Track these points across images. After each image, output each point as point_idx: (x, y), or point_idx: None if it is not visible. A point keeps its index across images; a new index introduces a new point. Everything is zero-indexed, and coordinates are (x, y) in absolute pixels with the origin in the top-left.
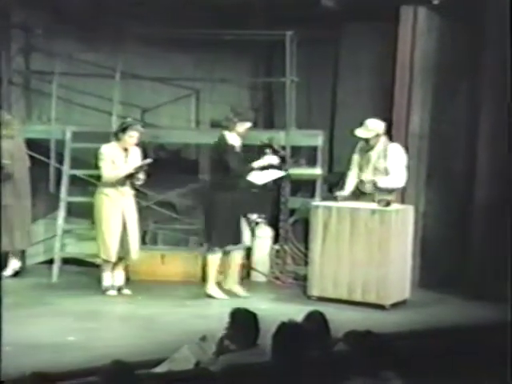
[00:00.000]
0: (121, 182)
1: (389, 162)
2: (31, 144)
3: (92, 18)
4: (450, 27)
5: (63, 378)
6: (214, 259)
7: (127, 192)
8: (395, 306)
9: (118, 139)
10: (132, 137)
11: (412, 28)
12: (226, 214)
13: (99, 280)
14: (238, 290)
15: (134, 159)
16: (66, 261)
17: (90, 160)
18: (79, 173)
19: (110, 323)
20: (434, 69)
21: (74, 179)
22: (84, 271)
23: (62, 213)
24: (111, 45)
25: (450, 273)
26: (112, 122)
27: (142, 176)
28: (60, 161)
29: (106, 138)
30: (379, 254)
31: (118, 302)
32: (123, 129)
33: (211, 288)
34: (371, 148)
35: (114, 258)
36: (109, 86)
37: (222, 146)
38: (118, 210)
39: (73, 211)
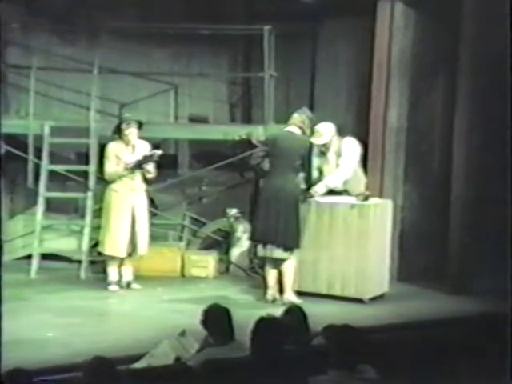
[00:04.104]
0: (128, 176)
1: (342, 156)
2: (9, 139)
3: (69, 12)
4: (427, 22)
5: (43, 375)
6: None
7: (138, 188)
8: (374, 299)
9: (120, 137)
10: (130, 133)
11: (389, 23)
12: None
13: (78, 276)
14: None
15: (141, 154)
16: (45, 256)
17: (68, 155)
18: (58, 168)
19: (89, 319)
20: (410, 63)
21: (52, 174)
22: (62, 267)
23: (40, 208)
24: (88, 39)
25: (428, 266)
26: (90, 117)
27: (151, 168)
28: (38, 156)
29: (84, 132)
30: (358, 249)
31: (97, 298)
32: (119, 126)
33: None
34: (327, 150)
35: (123, 254)
36: (87, 81)
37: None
38: (127, 206)
39: (51, 207)
